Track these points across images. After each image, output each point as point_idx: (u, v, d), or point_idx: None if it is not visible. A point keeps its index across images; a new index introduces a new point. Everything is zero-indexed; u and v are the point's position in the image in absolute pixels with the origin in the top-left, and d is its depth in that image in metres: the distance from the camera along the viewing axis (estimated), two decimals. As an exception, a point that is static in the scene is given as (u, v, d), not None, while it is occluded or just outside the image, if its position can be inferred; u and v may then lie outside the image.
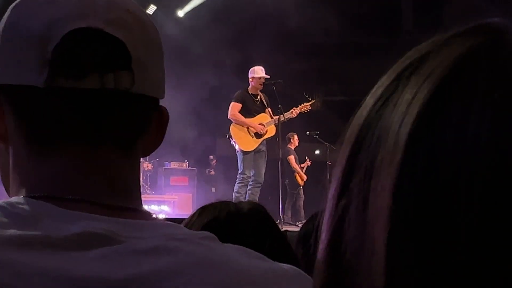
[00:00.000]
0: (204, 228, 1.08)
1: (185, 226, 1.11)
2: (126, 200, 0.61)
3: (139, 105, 0.62)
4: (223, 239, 1.02)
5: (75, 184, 0.60)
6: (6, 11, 0.63)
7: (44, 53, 0.57)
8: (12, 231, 0.52)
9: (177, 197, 8.87)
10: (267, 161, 7.10)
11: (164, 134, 0.68)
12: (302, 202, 9.08)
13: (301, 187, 9.20)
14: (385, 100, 0.34)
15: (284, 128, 7.12)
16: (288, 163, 8.98)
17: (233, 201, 1.19)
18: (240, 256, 0.57)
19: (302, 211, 8.86)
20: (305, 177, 9.22)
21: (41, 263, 0.51)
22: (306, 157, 9.75)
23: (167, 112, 0.68)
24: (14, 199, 0.58)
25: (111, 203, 0.59)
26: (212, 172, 10.47)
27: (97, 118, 0.60)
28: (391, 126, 0.32)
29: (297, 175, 9.18)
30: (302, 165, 9.47)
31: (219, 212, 1.12)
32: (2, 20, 0.63)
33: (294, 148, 9.20)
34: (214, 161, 10.60)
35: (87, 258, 0.52)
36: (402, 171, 0.31)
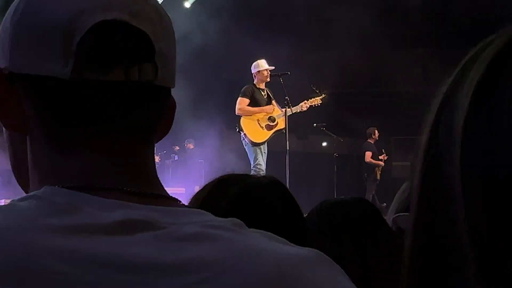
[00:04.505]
0: (234, 200, 1.08)
1: (200, 192, 1.13)
2: (153, 187, 0.62)
3: (158, 96, 0.63)
4: (240, 209, 1.03)
5: (103, 174, 0.59)
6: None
7: (69, 44, 0.57)
8: (55, 220, 0.52)
9: (184, 189, 8.90)
10: (275, 154, 7.11)
11: (173, 121, 0.69)
12: (371, 196, 9.59)
13: (377, 181, 9.88)
14: (455, 84, 0.43)
15: (292, 120, 7.11)
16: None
17: None
18: (272, 243, 0.58)
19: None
20: (382, 164, 9.95)
21: (89, 249, 0.51)
22: (383, 150, 10.34)
23: (174, 100, 0.69)
24: (47, 189, 0.57)
25: (141, 190, 0.59)
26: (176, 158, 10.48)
27: (121, 110, 0.60)
28: (460, 100, 0.41)
29: (376, 170, 9.87)
30: (380, 157, 10.10)
31: (237, 181, 1.12)
32: (16, 5, 0.62)
33: (374, 143, 9.98)
34: (189, 144, 10.54)
35: (132, 243, 0.52)
36: (467, 129, 0.39)
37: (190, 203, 1.13)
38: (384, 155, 10.29)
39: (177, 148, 10.59)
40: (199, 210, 0.61)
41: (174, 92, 0.68)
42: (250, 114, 6.87)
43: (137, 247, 0.52)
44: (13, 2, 0.63)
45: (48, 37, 0.58)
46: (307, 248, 0.60)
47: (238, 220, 0.60)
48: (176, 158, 10.43)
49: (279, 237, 0.60)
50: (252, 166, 6.91)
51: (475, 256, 0.38)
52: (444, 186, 0.40)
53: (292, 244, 0.60)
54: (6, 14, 0.63)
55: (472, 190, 0.38)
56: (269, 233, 0.60)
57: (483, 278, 0.37)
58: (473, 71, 0.41)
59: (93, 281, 0.49)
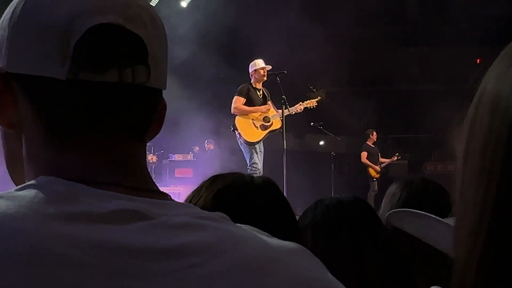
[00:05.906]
0: (215, 194, 1.09)
1: (196, 191, 1.13)
2: (145, 182, 0.65)
3: (151, 97, 0.66)
4: (233, 207, 1.04)
5: (99, 169, 0.62)
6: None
7: (66, 46, 0.59)
8: (55, 207, 0.54)
9: (181, 189, 8.89)
10: (272, 153, 7.11)
11: (163, 121, 0.71)
12: (373, 193, 10.08)
13: (375, 180, 10.33)
14: (501, 74, 0.45)
15: (289, 119, 7.11)
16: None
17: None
18: (258, 234, 0.61)
19: (371, 200, 9.35)
20: (378, 169, 10.43)
21: (91, 235, 0.53)
22: (396, 154, 10.92)
23: (165, 102, 0.71)
24: (43, 178, 0.59)
25: (135, 185, 0.62)
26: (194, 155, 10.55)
27: (115, 110, 0.63)
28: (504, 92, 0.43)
29: (369, 169, 10.31)
30: (383, 159, 10.61)
31: (232, 180, 1.13)
32: (13, 7, 0.64)
33: (373, 143, 10.46)
34: (210, 144, 10.59)
35: (129, 231, 0.55)
36: None
37: (185, 200, 1.13)
38: (395, 156, 10.77)
39: (197, 148, 10.57)
40: (188, 204, 0.65)
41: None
42: (245, 113, 6.88)
43: (134, 234, 0.55)
44: (10, 4, 0.65)
45: (45, 39, 0.60)
46: (291, 242, 0.63)
47: (224, 214, 0.63)
48: (172, 157, 10.38)
49: (262, 231, 0.63)
50: (248, 165, 6.92)
51: None
52: None
53: (274, 237, 0.63)
54: (3, 16, 0.65)
55: None
56: (253, 227, 0.63)
57: None
58: None
59: (97, 263, 0.52)
